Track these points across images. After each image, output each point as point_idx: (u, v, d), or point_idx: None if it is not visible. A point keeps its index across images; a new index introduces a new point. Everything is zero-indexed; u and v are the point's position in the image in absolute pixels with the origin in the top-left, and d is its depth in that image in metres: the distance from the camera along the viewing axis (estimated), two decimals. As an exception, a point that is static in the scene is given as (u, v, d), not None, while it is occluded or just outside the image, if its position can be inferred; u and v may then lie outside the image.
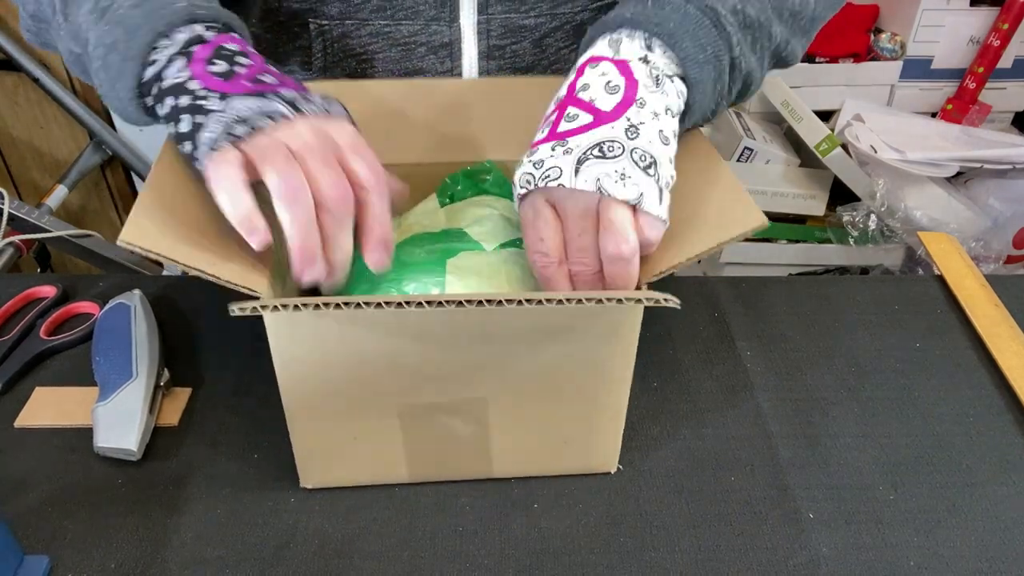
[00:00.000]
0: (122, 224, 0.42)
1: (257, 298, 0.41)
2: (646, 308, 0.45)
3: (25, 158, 1.62)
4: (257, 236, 0.43)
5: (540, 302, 0.41)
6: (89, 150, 1.57)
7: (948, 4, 1.42)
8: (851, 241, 1.43)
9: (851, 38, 1.47)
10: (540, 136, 0.48)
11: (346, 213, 0.44)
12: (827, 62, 1.48)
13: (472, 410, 0.49)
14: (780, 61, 0.57)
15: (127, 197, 1.69)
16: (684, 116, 0.50)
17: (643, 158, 0.45)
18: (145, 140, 1.60)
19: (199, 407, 0.58)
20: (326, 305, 0.40)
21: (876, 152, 1.34)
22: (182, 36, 0.46)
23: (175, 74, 0.45)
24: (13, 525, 0.49)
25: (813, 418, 0.58)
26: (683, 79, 0.49)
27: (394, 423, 0.49)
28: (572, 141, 0.46)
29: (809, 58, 1.48)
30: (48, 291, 0.67)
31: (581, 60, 0.50)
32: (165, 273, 1.62)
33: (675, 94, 0.48)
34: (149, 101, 0.47)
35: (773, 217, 1.50)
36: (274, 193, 0.42)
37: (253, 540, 0.49)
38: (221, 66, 0.45)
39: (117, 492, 0.52)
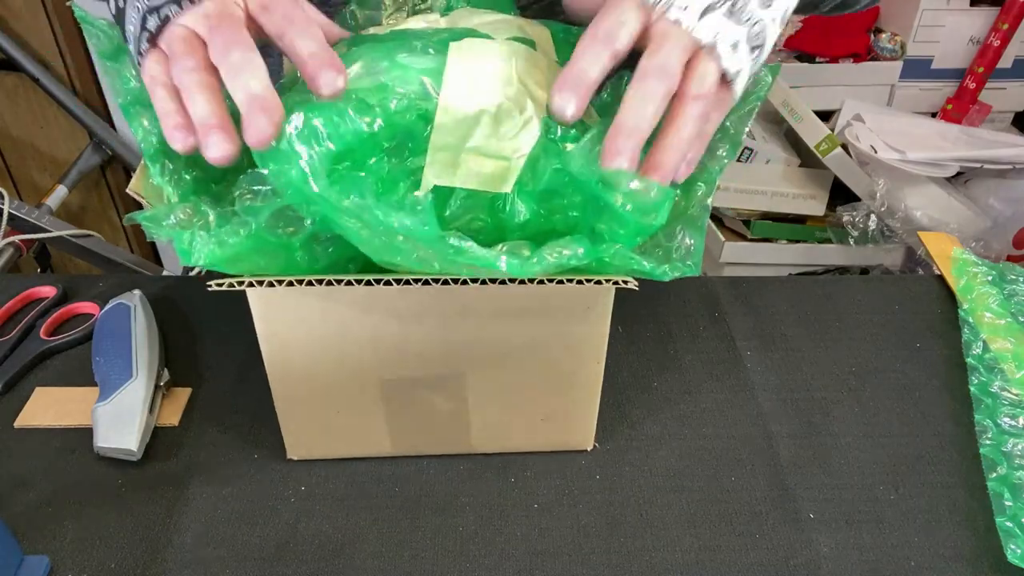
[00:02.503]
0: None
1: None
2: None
3: (25, 158, 1.62)
4: (183, 135, 0.39)
5: (521, 282, 0.41)
6: (89, 150, 1.57)
7: (948, 4, 1.42)
8: (851, 241, 1.43)
9: (851, 38, 1.47)
10: None
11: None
12: (827, 62, 1.48)
13: (451, 386, 0.49)
14: None
15: (127, 197, 1.69)
16: None
17: (758, 36, 0.41)
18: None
19: (199, 407, 0.58)
20: (299, 282, 0.40)
21: (876, 152, 1.34)
22: None
23: None
24: (13, 525, 0.49)
25: (813, 418, 0.58)
26: None
27: (376, 398, 0.49)
28: None
29: (809, 58, 1.48)
30: (48, 291, 0.67)
31: None
32: (165, 273, 1.62)
33: None
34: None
35: (773, 217, 1.51)
36: (181, 91, 0.38)
37: (253, 540, 0.49)
38: None
39: (117, 492, 0.52)
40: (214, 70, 0.38)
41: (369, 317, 0.45)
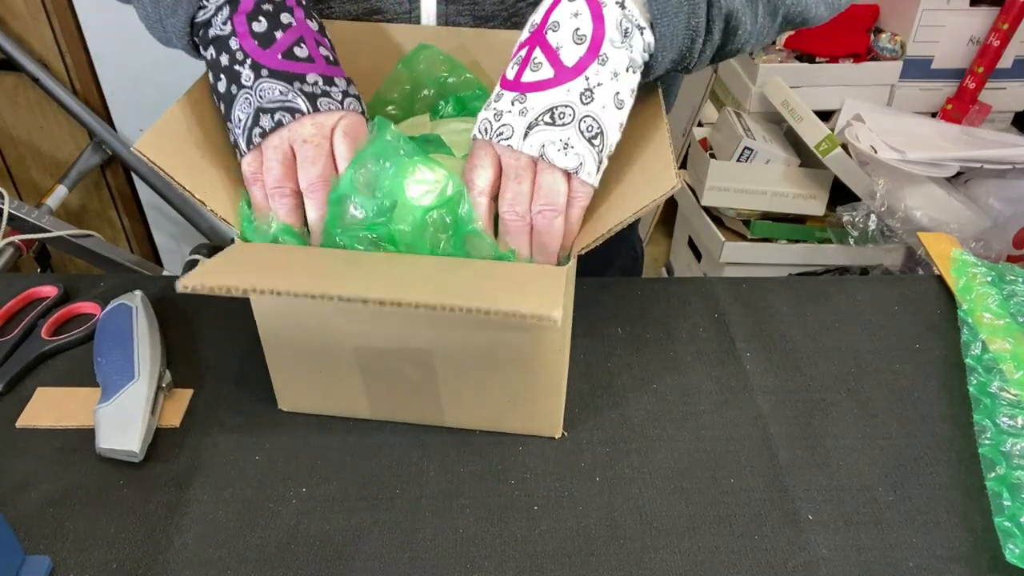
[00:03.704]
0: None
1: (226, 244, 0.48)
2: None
3: (25, 158, 1.62)
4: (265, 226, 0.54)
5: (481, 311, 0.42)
6: (89, 150, 1.57)
7: (948, 4, 1.42)
8: (851, 241, 1.43)
9: (851, 38, 1.47)
10: (510, 74, 0.51)
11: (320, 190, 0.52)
12: (827, 62, 1.48)
13: (419, 358, 0.52)
14: (791, 16, 0.56)
15: (127, 197, 1.69)
16: (647, 69, 0.52)
17: (591, 128, 0.49)
18: (145, 140, 1.60)
19: (200, 408, 0.58)
20: (257, 291, 0.44)
21: (876, 152, 1.34)
22: None
23: (220, 26, 0.52)
24: (15, 525, 0.49)
25: (813, 419, 0.58)
26: (652, 29, 0.50)
27: (352, 363, 0.53)
28: (530, 99, 0.49)
29: (809, 58, 1.48)
30: (49, 291, 0.67)
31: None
32: (166, 273, 1.63)
33: (641, 49, 0.50)
34: (197, 41, 0.54)
35: (773, 217, 1.51)
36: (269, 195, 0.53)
37: (254, 541, 0.49)
38: (262, 25, 0.52)
39: (118, 493, 0.52)
40: (297, 192, 0.52)
41: (344, 284, 0.48)
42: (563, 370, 0.54)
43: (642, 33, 0.49)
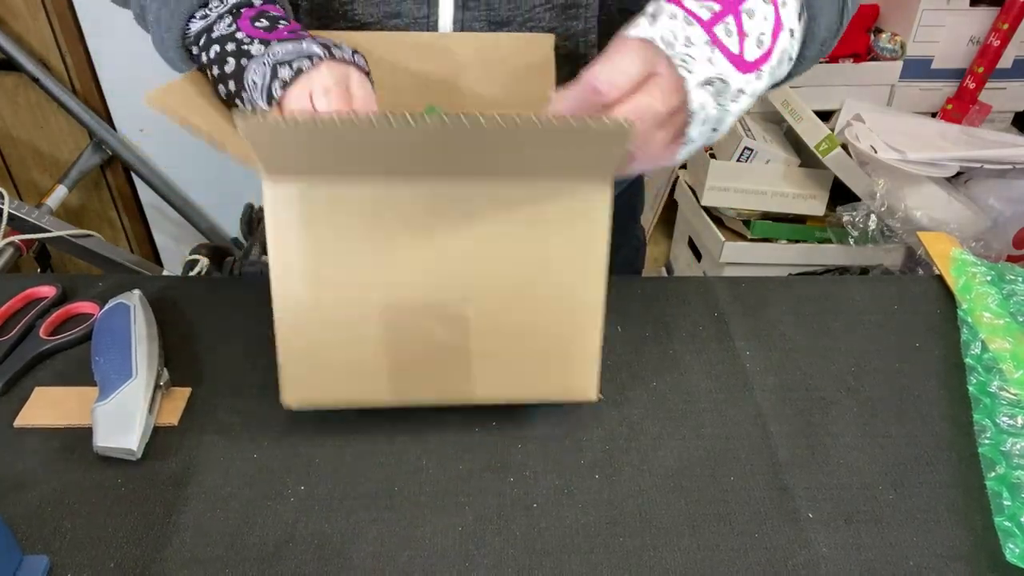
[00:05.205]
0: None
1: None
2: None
3: (25, 158, 1.62)
4: None
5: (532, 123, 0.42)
6: (89, 150, 1.57)
7: (948, 4, 1.42)
8: (851, 241, 1.43)
9: (851, 38, 1.47)
10: (710, 10, 0.47)
11: None
12: (827, 62, 1.48)
13: (452, 312, 0.50)
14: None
15: (127, 197, 1.69)
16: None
17: (720, 121, 0.48)
18: (145, 140, 1.60)
19: (199, 407, 0.58)
20: (315, 121, 0.42)
21: (876, 152, 1.34)
22: None
23: (224, 28, 0.54)
24: (12, 525, 0.49)
25: (813, 418, 0.58)
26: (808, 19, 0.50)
27: (378, 329, 0.50)
28: (715, 58, 0.47)
29: (809, 58, 1.48)
30: (48, 291, 0.67)
31: None
32: (165, 273, 1.63)
33: (787, 62, 0.50)
34: (194, 50, 0.56)
35: (773, 217, 1.51)
36: None
37: (253, 540, 0.49)
38: (264, 23, 0.54)
39: (117, 492, 0.52)
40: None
41: (374, 222, 0.47)
42: (600, 314, 0.52)
43: (793, 36, 0.49)
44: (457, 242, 0.49)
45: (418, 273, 0.49)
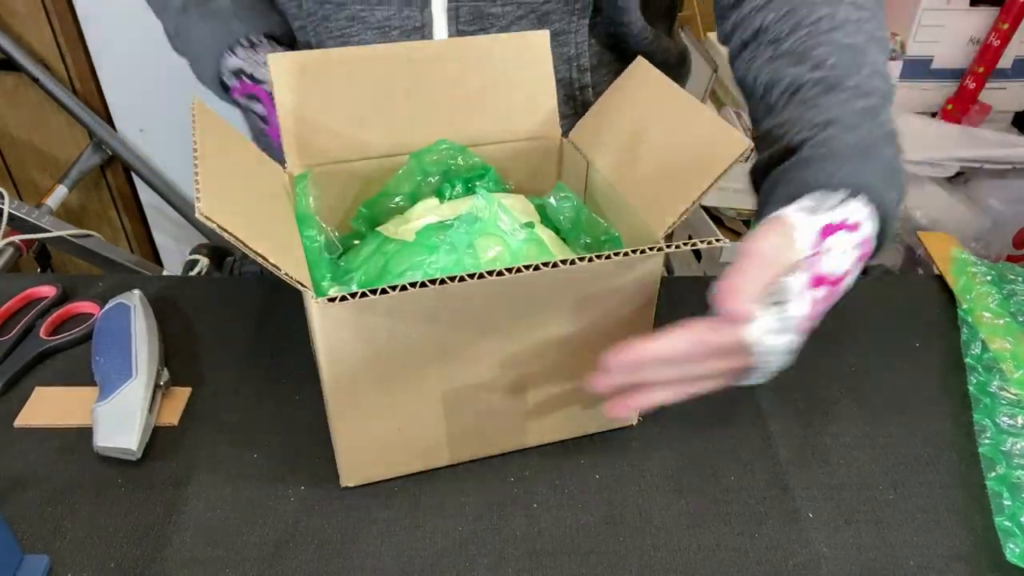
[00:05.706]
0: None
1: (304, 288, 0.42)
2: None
3: (25, 158, 1.62)
4: None
5: (573, 262, 0.44)
6: (89, 150, 1.57)
7: (948, 4, 1.42)
8: (851, 241, 1.43)
9: (851, 38, 1.46)
10: (803, 280, 0.47)
11: None
12: (827, 62, 1.47)
13: (510, 386, 0.51)
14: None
15: (127, 197, 1.69)
16: None
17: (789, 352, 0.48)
18: (145, 140, 1.60)
19: (199, 407, 0.58)
20: (372, 292, 0.41)
21: (876, 152, 1.33)
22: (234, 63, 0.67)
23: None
24: (13, 524, 0.49)
25: (813, 418, 0.58)
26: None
27: (438, 410, 0.50)
28: (793, 326, 0.47)
29: (809, 58, 1.48)
30: (48, 291, 0.67)
31: (839, 214, 0.49)
32: (165, 273, 1.63)
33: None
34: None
35: (773, 217, 1.51)
36: None
37: (252, 539, 0.49)
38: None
39: (117, 492, 0.52)
40: None
41: (430, 328, 0.46)
42: None
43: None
44: (513, 327, 0.48)
45: (477, 361, 0.49)
